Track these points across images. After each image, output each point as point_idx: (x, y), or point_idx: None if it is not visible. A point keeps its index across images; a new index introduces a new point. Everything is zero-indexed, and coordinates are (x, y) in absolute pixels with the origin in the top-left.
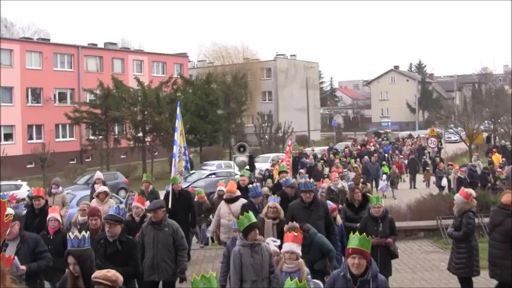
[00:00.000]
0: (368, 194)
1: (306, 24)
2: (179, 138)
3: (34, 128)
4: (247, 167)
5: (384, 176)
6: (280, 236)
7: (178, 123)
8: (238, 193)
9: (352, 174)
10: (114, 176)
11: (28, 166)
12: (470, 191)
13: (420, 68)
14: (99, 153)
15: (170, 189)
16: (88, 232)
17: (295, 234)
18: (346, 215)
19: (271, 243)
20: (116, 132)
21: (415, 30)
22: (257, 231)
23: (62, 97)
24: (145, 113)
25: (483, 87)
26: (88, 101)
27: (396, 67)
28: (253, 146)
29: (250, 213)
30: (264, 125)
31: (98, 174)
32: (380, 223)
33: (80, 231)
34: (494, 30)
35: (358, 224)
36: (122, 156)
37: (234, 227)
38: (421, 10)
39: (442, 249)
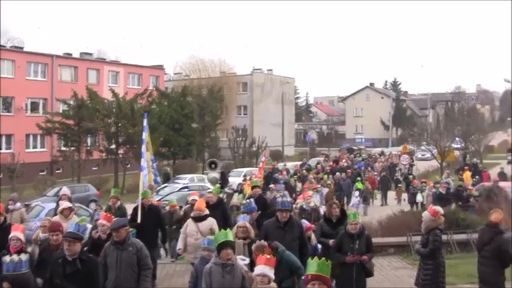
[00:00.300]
0: None
1: (283, 39)
2: (146, 150)
3: (4, 137)
4: (220, 182)
5: (357, 193)
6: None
7: (145, 135)
8: (207, 212)
9: (325, 190)
10: (85, 188)
11: None
12: (438, 208)
13: (395, 85)
14: (70, 164)
15: (139, 203)
16: (28, 254)
17: (268, 256)
18: (323, 231)
19: (240, 261)
20: (89, 144)
21: (391, 48)
22: (230, 251)
23: (34, 107)
24: (119, 124)
25: (456, 105)
26: (61, 111)
27: (371, 84)
28: (227, 160)
29: (229, 231)
30: (238, 139)
31: (64, 190)
32: (356, 240)
33: (40, 248)
34: (469, 50)
35: (332, 241)
36: (94, 168)
37: (203, 246)
38: (397, 29)
39: (411, 265)
